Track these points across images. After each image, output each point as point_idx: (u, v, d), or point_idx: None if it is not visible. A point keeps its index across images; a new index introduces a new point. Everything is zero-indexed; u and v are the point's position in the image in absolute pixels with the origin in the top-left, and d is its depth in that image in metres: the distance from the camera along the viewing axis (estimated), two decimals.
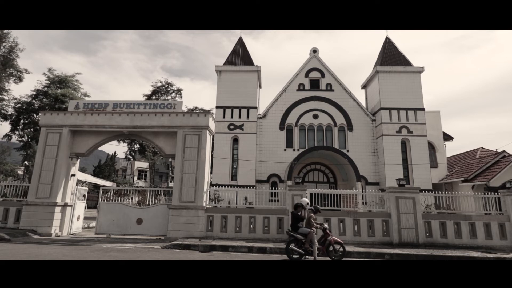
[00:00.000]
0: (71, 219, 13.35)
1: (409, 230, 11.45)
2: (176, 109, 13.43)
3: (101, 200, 13.00)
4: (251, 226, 11.99)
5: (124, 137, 17.53)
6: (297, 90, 23.39)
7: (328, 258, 8.36)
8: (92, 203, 25.91)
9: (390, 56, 23.62)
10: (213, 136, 15.80)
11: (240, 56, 24.15)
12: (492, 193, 12.43)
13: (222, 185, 18.81)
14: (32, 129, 24.61)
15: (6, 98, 23.87)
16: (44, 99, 23.81)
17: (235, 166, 21.89)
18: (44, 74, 25.17)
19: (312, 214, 8.72)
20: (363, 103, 24.31)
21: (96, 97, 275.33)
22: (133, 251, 9.40)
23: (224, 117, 22.24)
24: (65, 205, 12.99)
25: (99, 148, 14.81)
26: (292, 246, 8.27)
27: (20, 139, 25.47)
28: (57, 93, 23.47)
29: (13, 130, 24.64)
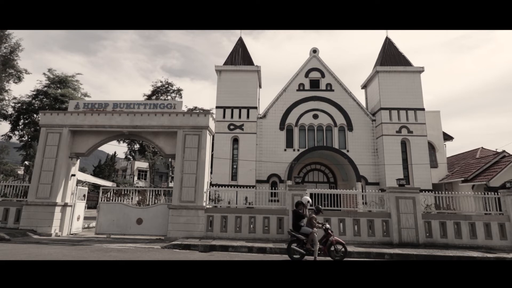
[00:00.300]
0: (71, 219, 13.35)
1: (409, 230, 11.45)
2: (176, 109, 13.43)
3: (101, 200, 13.00)
4: (251, 226, 11.99)
5: (124, 137, 17.54)
6: (297, 90, 23.39)
7: (329, 258, 8.37)
8: (92, 203, 25.90)
9: (390, 56, 23.61)
10: (213, 136, 15.80)
11: (240, 56, 24.14)
12: (492, 193, 12.43)
13: (222, 185, 18.81)
14: (32, 129, 24.60)
15: (6, 98, 23.86)
16: (44, 99, 23.80)
17: (235, 166, 21.89)
18: (44, 74, 25.19)
19: (314, 215, 8.73)
20: (363, 103, 24.31)
21: (96, 97, 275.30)
22: (133, 251, 9.40)
23: (224, 117, 22.23)
24: (65, 205, 12.99)
25: (99, 148, 14.82)
26: (293, 246, 8.28)
27: (20, 139, 25.45)
28: (57, 93, 23.46)
29: (13, 130, 24.63)
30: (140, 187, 33.84)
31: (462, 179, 19.39)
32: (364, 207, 14.75)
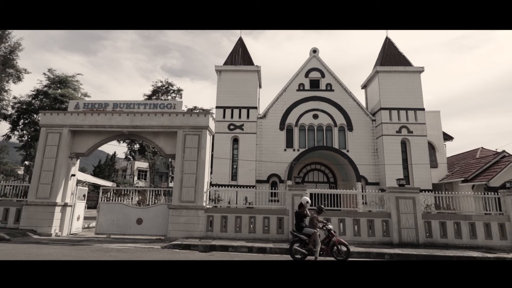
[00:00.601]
0: (71, 219, 13.35)
1: (409, 230, 11.45)
2: (176, 109, 13.43)
3: (101, 200, 13.00)
4: (251, 226, 11.99)
5: (124, 137, 17.54)
6: (297, 90, 23.39)
7: (332, 259, 8.37)
8: (92, 203, 25.91)
9: (390, 56, 23.61)
10: (213, 136, 15.80)
11: (240, 56, 24.14)
12: (492, 193, 12.43)
13: (222, 185, 18.81)
14: (32, 129, 24.60)
15: (6, 98, 23.85)
16: (44, 99, 23.81)
17: (235, 166, 21.89)
18: (44, 74, 25.20)
19: (315, 215, 8.73)
20: (363, 103, 24.31)
21: (96, 97, 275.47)
22: (133, 251, 9.40)
23: (224, 117, 22.23)
24: (65, 205, 12.99)
25: (99, 148, 14.81)
26: (295, 246, 8.30)
27: (20, 139, 25.46)
28: (57, 93, 23.46)
29: (12, 130, 24.64)
30: (140, 187, 33.85)
31: (462, 179, 19.39)
32: (364, 207, 14.75)
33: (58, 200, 12.66)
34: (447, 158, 23.54)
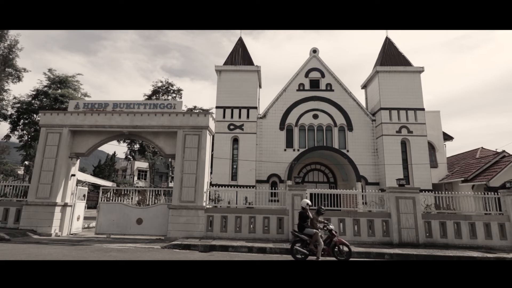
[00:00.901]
0: (71, 219, 13.35)
1: (409, 230, 11.45)
2: (176, 109, 13.43)
3: (101, 200, 13.00)
4: (251, 226, 11.99)
5: (124, 137, 17.54)
6: (297, 90, 23.39)
7: (333, 259, 8.38)
8: (92, 203, 25.91)
9: (390, 56, 23.61)
10: (213, 136, 15.80)
11: (240, 56, 24.14)
12: (492, 193, 12.43)
13: (222, 185, 18.81)
14: (32, 129, 24.60)
15: (6, 98, 23.85)
16: (44, 99, 23.80)
17: (235, 166, 21.89)
18: (45, 74, 25.18)
19: (315, 216, 8.73)
20: (363, 103, 24.31)
21: (96, 97, 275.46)
22: (133, 251, 9.40)
23: (224, 117, 22.23)
24: (65, 205, 12.99)
25: (99, 148, 14.81)
26: (297, 246, 8.31)
27: (20, 139, 25.45)
28: (57, 93, 23.46)
29: (13, 130, 24.63)
30: (140, 187, 33.85)
31: (462, 179, 19.39)
32: (364, 207, 14.75)
33: (58, 200, 12.66)
34: (447, 158, 23.54)
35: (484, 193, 12.57)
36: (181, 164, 12.66)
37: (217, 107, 22.58)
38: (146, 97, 29.65)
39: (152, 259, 8.28)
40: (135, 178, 50.74)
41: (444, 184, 21.27)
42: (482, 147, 23.10)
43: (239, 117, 22.31)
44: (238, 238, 11.66)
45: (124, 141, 28.09)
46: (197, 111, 27.17)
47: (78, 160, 14.21)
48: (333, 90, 23.29)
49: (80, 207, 14.24)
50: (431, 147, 22.20)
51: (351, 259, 8.37)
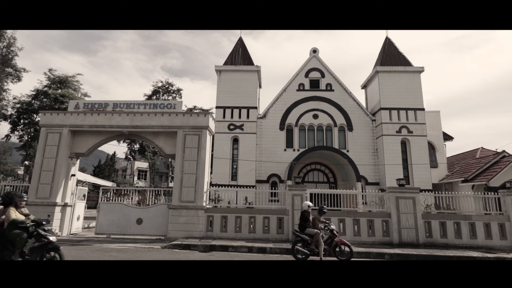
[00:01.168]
0: (71, 219, 13.35)
1: (409, 230, 11.45)
2: (176, 109, 13.43)
3: (101, 200, 13.00)
4: (251, 226, 11.99)
5: (124, 137, 17.53)
6: (297, 90, 23.39)
7: (334, 259, 8.38)
8: (92, 203, 25.90)
9: (390, 56, 23.61)
10: (213, 136, 15.80)
11: (240, 56, 24.14)
12: (492, 193, 12.43)
13: (222, 185, 18.81)
14: (32, 129, 24.60)
15: (5, 98, 23.84)
16: (44, 99, 23.80)
17: (235, 166, 21.89)
18: (45, 74, 25.19)
19: (317, 215, 8.73)
20: (363, 103, 24.31)
21: (96, 97, 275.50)
22: (133, 251, 9.40)
23: (224, 117, 22.23)
24: (65, 205, 12.99)
25: (99, 148, 14.80)
26: (298, 246, 8.31)
27: (20, 139, 25.46)
28: (57, 93, 23.45)
29: (13, 130, 24.63)
30: (140, 187, 33.86)
31: (462, 179, 19.39)
32: (364, 207, 14.75)
33: (58, 200, 12.66)
34: (447, 158, 23.54)
35: (484, 193, 12.57)
36: (181, 164, 12.66)
37: (217, 107, 22.57)
38: (146, 97, 29.66)
39: (152, 259, 8.29)
40: (135, 178, 50.74)
41: (444, 184, 21.27)
42: (482, 147, 23.10)
43: (239, 117, 22.31)
44: (238, 238, 11.66)
45: (124, 141, 28.10)
46: (197, 111, 27.18)
47: (78, 160, 14.20)
48: (333, 90, 23.29)
49: (80, 207, 14.24)
50: (431, 147, 22.20)
51: (351, 258, 8.38)
